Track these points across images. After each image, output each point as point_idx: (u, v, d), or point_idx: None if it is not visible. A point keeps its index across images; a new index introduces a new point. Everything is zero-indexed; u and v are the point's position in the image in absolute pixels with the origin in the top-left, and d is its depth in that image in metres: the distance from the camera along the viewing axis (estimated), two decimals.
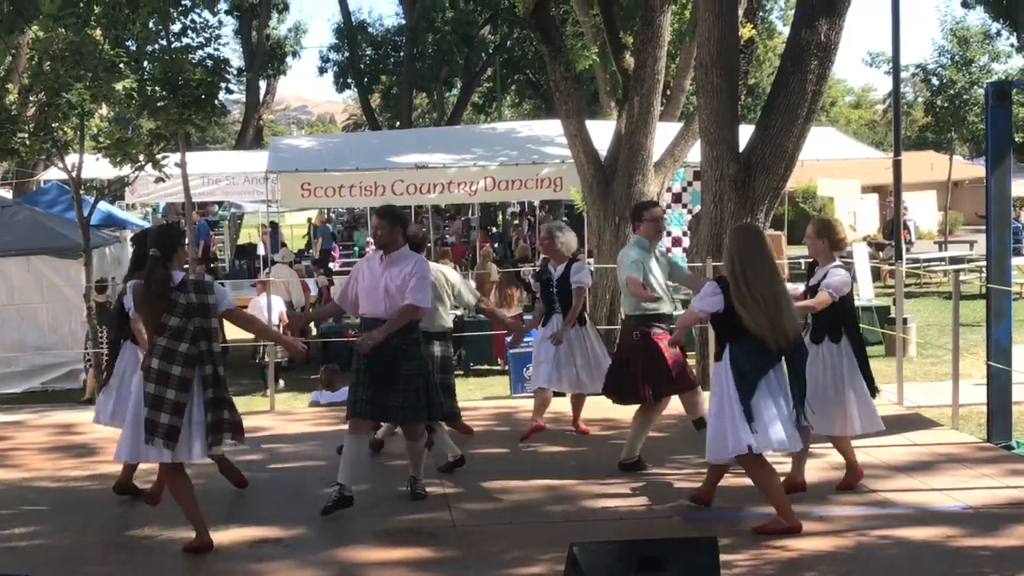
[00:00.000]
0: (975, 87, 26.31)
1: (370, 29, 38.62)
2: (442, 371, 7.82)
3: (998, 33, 26.29)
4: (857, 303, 15.90)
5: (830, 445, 7.07)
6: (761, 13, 23.29)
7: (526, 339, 9.55)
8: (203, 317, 5.87)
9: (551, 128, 17.63)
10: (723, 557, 5.37)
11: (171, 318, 5.80)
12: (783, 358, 6.08)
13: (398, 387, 6.60)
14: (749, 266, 5.93)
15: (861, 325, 14.83)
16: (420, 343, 6.83)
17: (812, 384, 6.58)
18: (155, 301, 5.83)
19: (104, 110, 15.51)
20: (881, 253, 23.92)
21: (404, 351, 6.63)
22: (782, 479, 6.62)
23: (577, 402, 8.68)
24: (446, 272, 8.21)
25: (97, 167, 14.45)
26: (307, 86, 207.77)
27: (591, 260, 15.10)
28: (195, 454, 5.89)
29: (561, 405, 8.96)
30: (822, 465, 7.13)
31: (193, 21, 14.34)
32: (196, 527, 6.01)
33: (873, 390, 6.79)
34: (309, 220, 32.58)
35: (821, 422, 6.62)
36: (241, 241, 30.09)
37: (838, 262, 6.71)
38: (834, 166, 20.27)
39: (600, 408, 9.16)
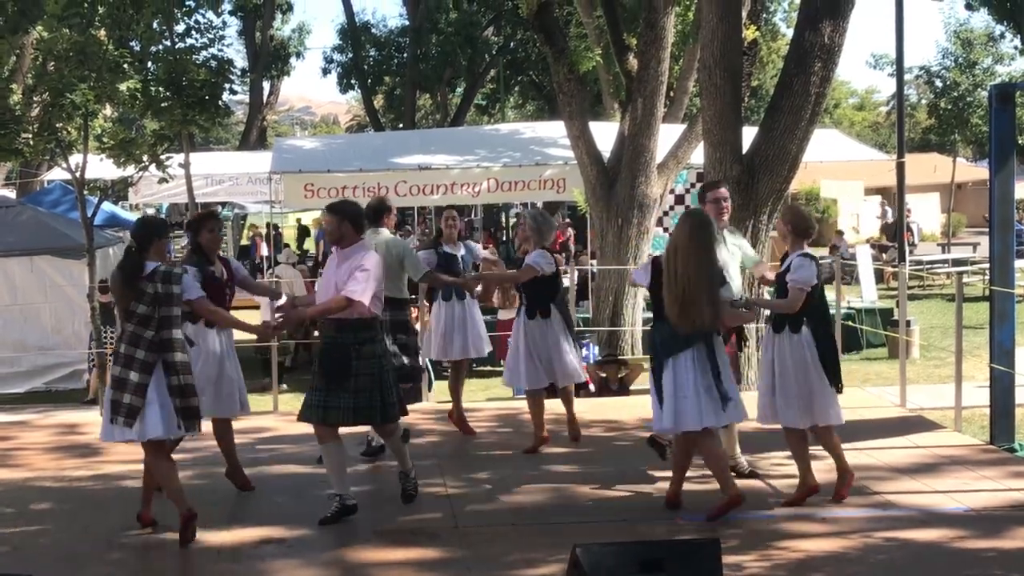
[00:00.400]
0: (979, 89, 26.33)
1: (374, 30, 38.69)
2: (392, 331, 7.55)
3: (1002, 35, 26.35)
4: (860, 305, 16.08)
5: None
6: (765, 15, 23.29)
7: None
8: (170, 306, 6.07)
9: (554, 129, 17.63)
10: (732, 559, 5.40)
11: (139, 306, 6.03)
12: (706, 338, 6.25)
13: (348, 386, 6.36)
14: (682, 252, 6.14)
15: (864, 327, 15.04)
16: (376, 342, 6.54)
17: (778, 375, 6.54)
18: (126, 289, 6.07)
19: (108, 110, 15.48)
20: (884, 255, 23.93)
21: (357, 350, 6.40)
22: (794, 488, 6.63)
23: (564, 397, 8.34)
24: (390, 245, 7.76)
25: (101, 167, 14.46)
26: (311, 87, 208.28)
27: (594, 261, 15.11)
28: (163, 430, 6.00)
29: (560, 407, 8.91)
30: (824, 467, 7.11)
31: (197, 22, 14.36)
32: (176, 501, 6.09)
33: (838, 386, 6.61)
34: (298, 221, 32.47)
35: (790, 414, 6.53)
36: (244, 242, 30.12)
37: (805, 250, 6.58)
38: (837, 168, 20.29)
39: (602, 409, 9.17)
